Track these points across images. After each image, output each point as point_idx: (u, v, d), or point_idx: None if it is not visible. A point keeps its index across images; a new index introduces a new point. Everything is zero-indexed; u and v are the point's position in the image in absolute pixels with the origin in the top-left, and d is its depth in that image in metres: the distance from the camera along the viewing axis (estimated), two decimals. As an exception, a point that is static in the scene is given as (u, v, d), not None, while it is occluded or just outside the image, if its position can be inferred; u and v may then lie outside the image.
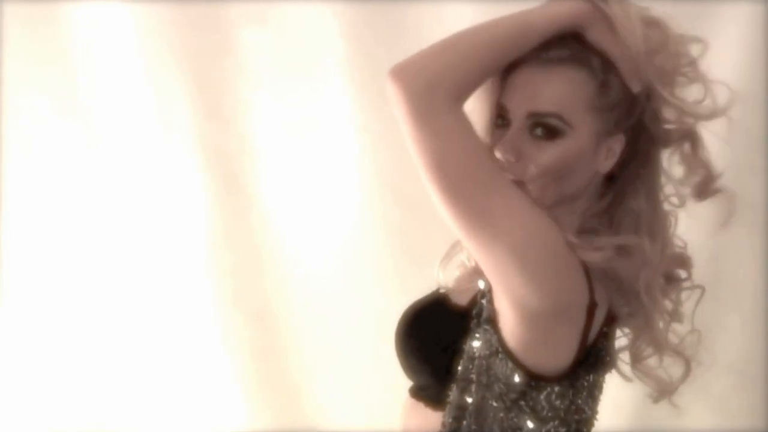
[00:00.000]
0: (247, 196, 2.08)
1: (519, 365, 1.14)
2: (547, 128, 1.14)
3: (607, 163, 1.19)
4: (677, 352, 1.27)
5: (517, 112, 1.16)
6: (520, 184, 1.15)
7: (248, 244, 2.10)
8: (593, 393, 1.23)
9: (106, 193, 2.09)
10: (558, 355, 1.15)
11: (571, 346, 1.15)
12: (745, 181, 1.83)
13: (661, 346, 1.26)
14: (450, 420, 1.21)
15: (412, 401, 1.32)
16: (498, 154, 1.14)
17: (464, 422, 1.20)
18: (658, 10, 1.76)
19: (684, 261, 1.29)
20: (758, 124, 1.81)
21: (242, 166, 2.07)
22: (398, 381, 1.35)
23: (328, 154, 2.01)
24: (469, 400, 1.19)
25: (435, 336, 1.25)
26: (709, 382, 1.93)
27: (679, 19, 1.77)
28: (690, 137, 1.23)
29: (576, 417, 1.20)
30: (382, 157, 1.95)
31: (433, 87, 1.05)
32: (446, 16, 1.68)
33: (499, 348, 1.15)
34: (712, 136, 1.79)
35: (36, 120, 2.06)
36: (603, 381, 1.27)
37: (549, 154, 1.14)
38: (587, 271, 1.14)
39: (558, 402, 1.17)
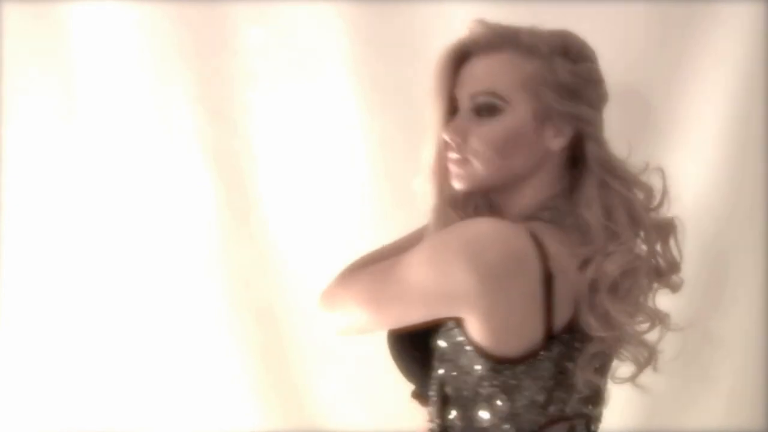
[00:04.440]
0: (251, 197, 2.06)
1: (484, 354, 1.16)
2: (485, 106, 1.24)
3: (555, 141, 1.25)
4: (639, 342, 1.26)
5: (462, 98, 1.28)
6: (466, 161, 1.25)
7: (251, 245, 2.09)
8: (585, 368, 1.20)
9: (107, 194, 2.07)
10: (522, 334, 1.15)
11: (534, 322, 1.14)
12: (745, 181, 1.84)
13: (624, 334, 1.23)
14: (435, 414, 1.24)
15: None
16: (446, 137, 1.26)
17: (450, 413, 1.22)
18: (660, 10, 1.78)
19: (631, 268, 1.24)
20: (758, 124, 1.80)
21: (246, 168, 2.05)
22: (404, 381, 1.36)
23: (332, 156, 2.00)
24: (449, 393, 1.22)
25: (425, 335, 1.26)
26: (708, 382, 1.94)
27: (679, 19, 1.79)
28: (669, 227, 1.29)
29: (569, 395, 1.20)
30: (386, 159, 1.95)
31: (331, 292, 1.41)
32: (453, 16, 1.67)
33: (463, 340, 1.18)
34: (712, 137, 1.82)
35: (36, 120, 2.03)
36: (600, 354, 1.22)
37: (489, 128, 1.24)
38: (537, 239, 1.14)
39: (539, 381, 1.17)
